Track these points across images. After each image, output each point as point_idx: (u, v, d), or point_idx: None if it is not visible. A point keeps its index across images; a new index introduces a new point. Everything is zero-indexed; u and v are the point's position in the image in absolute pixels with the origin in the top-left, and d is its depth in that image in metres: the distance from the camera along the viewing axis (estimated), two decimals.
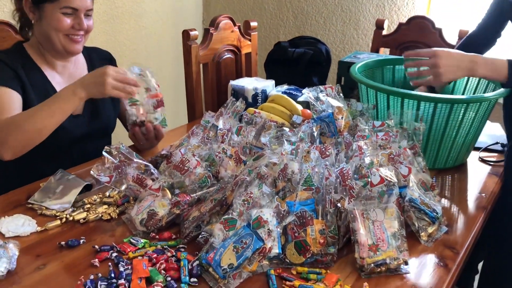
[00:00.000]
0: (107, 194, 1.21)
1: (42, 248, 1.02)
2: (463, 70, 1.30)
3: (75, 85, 1.26)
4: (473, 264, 1.81)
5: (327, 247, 1.00)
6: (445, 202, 1.29)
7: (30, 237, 1.06)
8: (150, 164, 1.19)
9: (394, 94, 1.36)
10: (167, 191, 1.12)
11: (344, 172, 1.03)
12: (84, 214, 1.13)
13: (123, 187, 1.17)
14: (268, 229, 0.97)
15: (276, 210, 1.01)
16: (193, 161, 1.16)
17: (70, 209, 1.15)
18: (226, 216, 0.98)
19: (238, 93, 1.82)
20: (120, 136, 1.59)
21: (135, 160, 1.17)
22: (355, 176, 1.05)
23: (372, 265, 0.97)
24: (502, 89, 1.38)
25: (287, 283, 0.94)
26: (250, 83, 1.83)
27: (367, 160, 1.07)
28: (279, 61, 2.03)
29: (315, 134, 1.22)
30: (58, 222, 1.10)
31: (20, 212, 1.14)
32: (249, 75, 2.23)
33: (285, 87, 1.90)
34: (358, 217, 1.00)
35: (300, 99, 1.77)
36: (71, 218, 1.12)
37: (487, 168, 1.52)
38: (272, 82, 1.89)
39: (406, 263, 0.99)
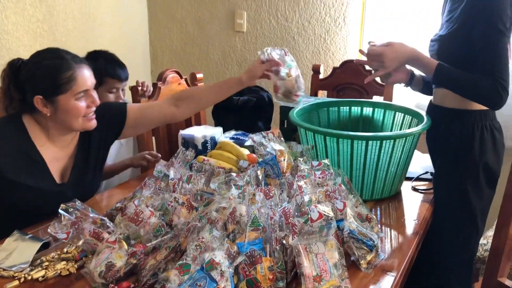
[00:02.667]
0: (65, 250, 1.25)
1: None
2: (402, 63, 1.59)
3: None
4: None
5: (276, 282, 1.09)
6: (384, 229, 1.42)
7: None
8: (105, 218, 1.25)
9: (330, 135, 1.50)
10: (123, 242, 1.18)
11: (286, 210, 1.14)
12: (42, 272, 1.16)
13: (81, 242, 1.22)
14: (221, 270, 1.05)
15: (227, 251, 1.10)
16: (147, 212, 1.23)
17: (28, 269, 1.18)
18: (180, 262, 1.05)
19: (188, 142, 1.91)
20: None
21: (90, 215, 1.23)
22: (297, 213, 1.16)
23: None
24: (423, 124, 1.56)
25: None
26: (199, 132, 1.93)
27: (306, 198, 1.18)
28: (226, 108, 2.15)
29: (260, 176, 1.32)
30: (17, 282, 1.13)
31: None
32: (198, 123, 2.34)
33: (232, 132, 2.02)
34: (302, 251, 1.10)
35: (247, 143, 1.89)
36: (29, 277, 1.15)
37: (420, 196, 1.67)
38: (220, 129, 2.00)
39: None
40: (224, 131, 2.03)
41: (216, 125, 2.21)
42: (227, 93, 1.70)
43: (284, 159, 1.43)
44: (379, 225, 1.40)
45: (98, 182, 1.68)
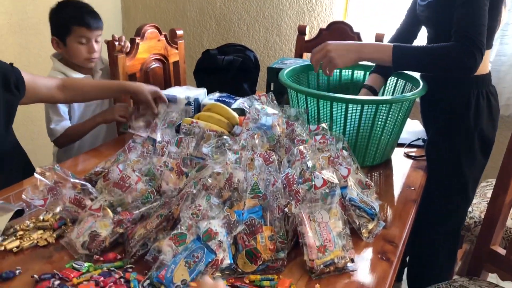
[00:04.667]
0: (41, 218, 1.13)
1: None
2: (353, 52, 1.45)
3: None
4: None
5: (277, 252, 1.02)
6: (380, 197, 1.36)
7: None
8: (87, 184, 1.13)
9: (324, 98, 1.41)
10: (108, 210, 1.08)
11: (290, 177, 1.06)
12: (17, 242, 1.05)
13: (58, 209, 1.11)
14: (219, 240, 0.97)
15: (225, 220, 1.01)
16: (134, 177, 1.12)
17: (0, 239, 1.06)
18: (175, 232, 0.96)
19: (170, 102, 1.79)
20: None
21: (71, 180, 1.11)
22: (299, 180, 1.08)
23: (322, 265, 1.00)
24: (419, 89, 1.49)
25: None
26: (182, 92, 1.80)
27: (309, 164, 1.10)
28: (209, 69, 2.02)
29: (257, 141, 1.23)
30: None
31: None
32: (178, 84, 2.20)
33: (217, 94, 1.90)
34: (305, 220, 1.03)
35: (234, 106, 1.78)
36: (2, 248, 1.03)
37: (410, 162, 1.62)
38: (204, 90, 1.88)
39: (352, 260, 1.04)
40: (207, 93, 1.91)
41: (198, 86, 2.08)
42: (111, 96, 1.84)
43: (278, 124, 1.34)
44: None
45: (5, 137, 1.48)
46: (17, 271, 0.97)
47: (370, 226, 1.16)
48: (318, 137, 1.23)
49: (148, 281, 0.93)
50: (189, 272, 0.92)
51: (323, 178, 1.05)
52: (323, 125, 1.31)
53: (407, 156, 1.66)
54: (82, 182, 1.13)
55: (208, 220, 0.98)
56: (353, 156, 1.28)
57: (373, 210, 1.17)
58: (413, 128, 1.87)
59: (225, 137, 1.24)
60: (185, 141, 1.27)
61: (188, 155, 1.24)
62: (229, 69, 2.00)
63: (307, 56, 2.53)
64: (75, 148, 1.87)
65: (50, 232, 1.09)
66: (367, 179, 1.26)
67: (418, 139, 1.74)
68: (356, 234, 1.14)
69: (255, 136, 1.22)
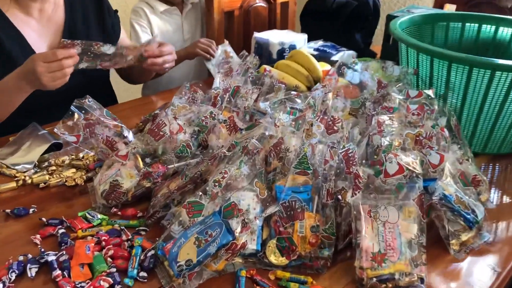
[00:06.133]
0: (81, 155, 1.04)
1: None
2: None
3: (19, 78, 1.07)
4: None
5: (319, 249, 0.78)
6: (496, 199, 1.01)
7: None
8: (123, 125, 1.00)
9: (439, 57, 1.06)
10: (139, 159, 0.93)
11: (350, 154, 0.79)
12: (45, 177, 0.97)
13: (94, 150, 1.00)
14: (245, 219, 0.76)
15: (260, 196, 0.80)
16: (175, 125, 0.95)
17: (32, 170, 0.99)
18: (191, 199, 0.78)
19: (262, 47, 1.57)
20: None
21: (108, 118, 0.99)
22: (364, 161, 0.80)
23: (375, 279, 0.74)
24: None
25: None
26: (277, 37, 1.57)
27: (386, 140, 0.81)
28: (317, 13, 1.74)
29: (330, 102, 0.96)
30: (14, 184, 0.95)
31: None
32: (285, 27, 1.96)
33: (319, 43, 1.63)
34: (364, 215, 0.76)
35: (334, 58, 1.51)
36: (29, 181, 0.96)
37: None
38: (304, 37, 1.62)
39: (422, 280, 0.75)
40: (309, 40, 1.65)
41: (302, 31, 1.82)
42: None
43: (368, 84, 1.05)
44: (490, 192, 0.99)
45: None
46: (31, 210, 0.89)
47: (465, 237, 0.85)
48: (413, 106, 0.91)
49: (152, 252, 0.78)
50: (198, 252, 0.73)
51: (398, 163, 0.76)
52: (429, 91, 0.99)
53: None
54: (120, 124, 0.99)
55: (236, 192, 0.78)
56: (463, 139, 0.94)
57: (473, 217, 0.85)
58: None
59: (293, 92, 1.00)
60: (248, 91, 1.05)
61: (250, 108, 1.03)
62: (339, 14, 1.69)
63: (449, 7, 2.07)
64: (161, 85, 1.76)
65: (82, 173, 0.99)
66: (477, 173, 0.92)
67: None
68: (441, 244, 0.84)
69: (329, 95, 0.95)
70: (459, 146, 0.91)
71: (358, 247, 0.76)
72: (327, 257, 0.78)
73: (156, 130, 0.94)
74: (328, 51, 1.56)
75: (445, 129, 0.87)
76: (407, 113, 0.91)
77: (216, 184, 0.77)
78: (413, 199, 0.76)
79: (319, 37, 1.67)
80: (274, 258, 0.78)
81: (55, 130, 0.96)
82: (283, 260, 0.78)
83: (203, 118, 0.97)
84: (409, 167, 0.77)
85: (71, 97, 0.99)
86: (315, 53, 1.54)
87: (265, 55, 1.56)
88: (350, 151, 0.79)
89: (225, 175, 0.78)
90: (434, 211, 0.84)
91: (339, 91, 1.06)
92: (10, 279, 0.72)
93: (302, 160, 0.80)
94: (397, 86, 1.05)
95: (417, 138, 0.84)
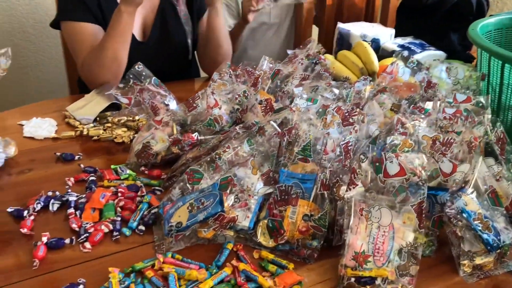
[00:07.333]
0: (137, 118, 1.14)
1: (41, 154, 1.02)
2: None
3: (119, 3, 1.18)
4: None
5: (309, 238, 0.77)
6: None
7: (41, 141, 1.07)
8: (170, 94, 1.07)
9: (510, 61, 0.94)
10: (174, 126, 1.00)
11: (349, 147, 0.76)
12: (99, 132, 1.09)
13: (144, 113, 1.09)
14: (238, 195, 0.79)
15: (265, 174, 0.82)
16: (211, 100, 1.00)
17: (92, 124, 1.12)
18: (193, 167, 0.82)
19: (343, 38, 1.54)
20: None
21: (156, 86, 1.07)
22: (367, 157, 0.76)
23: (353, 279, 0.71)
24: None
25: (236, 263, 0.75)
26: (360, 29, 1.52)
27: (396, 139, 0.76)
28: (412, 9, 1.64)
29: (366, 94, 0.93)
30: (72, 133, 1.09)
31: (55, 117, 1.16)
32: (384, 22, 1.88)
33: (407, 40, 1.55)
34: (355, 212, 0.73)
35: (417, 56, 1.42)
36: (86, 132, 1.09)
37: None
38: (391, 32, 1.55)
39: None
40: (399, 35, 1.57)
41: (396, 26, 1.73)
42: None
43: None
44: None
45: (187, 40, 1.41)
46: (77, 157, 1.01)
47: (481, 260, 0.76)
48: (449, 111, 0.83)
49: (156, 210, 0.84)
50: (188, 217, 0.78)
51: (399, 164, 0.71)
52: (481, 98, 0.89)
53: None
54: (162, 90, 1.07)
55: (235, 168, 0.80)
56: (508, 155, 0.84)
57: (495, 239, 0.76)
58: None
59: (333, 82, 0.97)
60: (294, 77, 1.05)
61: (287, 92, 1.03)
62: (436, 11, 1.57)
63: None
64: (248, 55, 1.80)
65: (131, 133, 1.10)
66: None
67: None
68: (451, 262, 0.77)
69: (367, 87, 0.91)
70: (498, 161, 0.81)
71: (346, 244, 0.74)
72: (315, 248, 0.77)
73: (191, 101, 1.00)
74: (412, 48, 1.47)
75: (478, 139, 0.78)
76: (442, 114, 0.83)
77: (217, 156, 0.81)
78: (412, 205, 0.71)
79: (410, 33, 1.58)
80: (263, 238, 0.79)
81: (111, 91, 1.08)
82: (271, 242, 0.78)
83: (237, 97, 1.00)
84: (414, 171, 0.72)
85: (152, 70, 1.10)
86: (398, 49, 1.46)
87: (345, 46, 1.52)
88: (350, 143, 0.76)
89: (227, 150, 0.81)
90: (448, 225, 0.77)
91: (392, 88, 1.01)
92: (35, 208, 0.84)
93: (306, 147, 0.79)
94: (454, 88, 0.96)
95: (435, 141, 0.77)
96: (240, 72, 1.09)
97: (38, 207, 0.84)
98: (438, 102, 0.87)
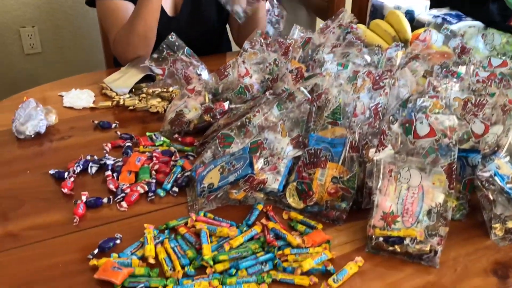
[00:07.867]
0: (170, 89, 1.17)
1: (79, 123, 1.06)
2: None
3: None
4: None
5: (337, 200, 0.78)
6: None
7: (79, 111, 1.11)
8: (201, 64, 1.09)
9: None
10: (206, 95, 1.02)
11: (379, 109, 0.76)
12: (135, 102, 1.13)
13: (171, 82, 1.12)
14: (267, 158, 0.80)
15: (294, 139, 0.83)
16: (242, 69, 1.02)
17: (128, 95, 1.16)
18: (224, 131, 0.84)
19: (377, 11, 1.51)
20: None
21: (189, 56, 1.10)
22: (397, 117, 0.76)
23: (381, 239, 0.72)
24: None
25: (265, 222, 0.77)
26: (393, 0, 1.50)
27: (427, 101, 0.75)
28: None
29: (398, 61, 0.92)
30: (109, 103, 1.13)
31: (93, 89, 1.20)
32: None
33: (443, 11, 1.51)
34: (383, 174, 0.74)
35: (453, 27, 1.38)
36: (122, 103, 1.13)
37: None
38: (426, 3, 1.51)
39: (435, 253, 0.70)
40: (435, 6, 1.53)
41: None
42: None
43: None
44: None
45: (219, 19, 1.44)
46: (114, 125, 1.05)
47: None
48: (483, 74, 0.82)
49: (189, 173, 0.87)
50: (220, 179, 0.80)
51: (429, 125, 0.71)
52: None
53: None
54: (193, 60, 1.09)
55: (272, 133, 0.82)
56: None
57: None
58: None
59: (364, 49, 0.97)
60: (315, 45, 1.05)
61: (318, 61, 1.03)
62: None
63: None
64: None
65: (165, 103, 1.13)
66: None
67: None
68: (482, 228, 0.76)
69: (399, 54, 0.91)
70: None
71: (374, 205, 0.74)
72: (344, 210, 0.77)
73: (223, 70, 1.01)
74: (448, 19, 1.43)
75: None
76: (474, 78, 0.81)
77: (247, 121, 0.82)
78: (442, 166, 0.71)
79: (447, 5, 1.54)
80: (292, 200, 0.81)
81: (146, 62, 1.11)
82: (300, 203, 0.80)
83: (267, 65, 1.01)
84: (444, 132, 0.71)
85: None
86: (433, 20, 1.43)
87: (379, 18, 1.50)
88: (380, 105, 0.76)
89: (257, 114, 0.82)
90: (480, 189, 0.76)
91: (424, 55, 1.00)
92: (74, 171, 0.88)
93: (335, 110, 0.79)
94: (490, 53, 0.94)
95: (466, 103, 0.75)
96: (271, 41, 1.09)
97: (78, 169, 0.88)
98: (472, 67, 0.85)
